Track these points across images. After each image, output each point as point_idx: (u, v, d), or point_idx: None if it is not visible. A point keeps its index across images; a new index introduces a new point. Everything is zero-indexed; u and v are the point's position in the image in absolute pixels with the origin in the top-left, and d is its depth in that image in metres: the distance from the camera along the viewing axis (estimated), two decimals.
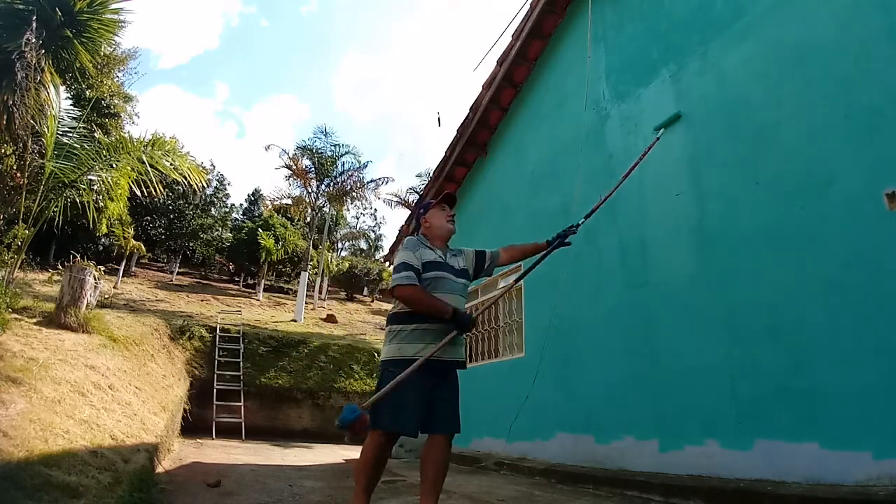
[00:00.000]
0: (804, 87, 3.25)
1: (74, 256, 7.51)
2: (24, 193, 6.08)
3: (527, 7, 5.88)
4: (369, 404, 2.07)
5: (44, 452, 2.61)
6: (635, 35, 4.78)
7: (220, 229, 26.71)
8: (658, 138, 3.56)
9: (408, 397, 2.16)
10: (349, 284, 27.25)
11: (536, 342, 5.08)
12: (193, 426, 7.97)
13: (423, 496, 2.17)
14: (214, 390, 9.49)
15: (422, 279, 2.32)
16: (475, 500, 3.32)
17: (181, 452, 5.87)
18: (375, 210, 45.63)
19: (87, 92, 13.26)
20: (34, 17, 5.65)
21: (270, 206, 25.69)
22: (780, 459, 2.90)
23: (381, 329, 18.36)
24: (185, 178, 6.90)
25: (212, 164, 27.90)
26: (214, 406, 9.24)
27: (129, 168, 6.73)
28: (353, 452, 7.39)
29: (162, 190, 7.26)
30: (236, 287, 24.73)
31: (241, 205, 35.57)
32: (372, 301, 27.42)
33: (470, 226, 7.16)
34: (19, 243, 5.95)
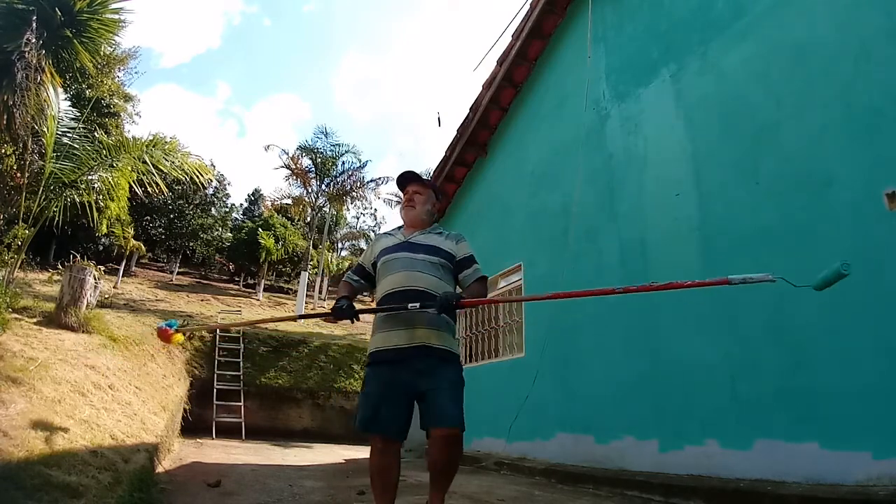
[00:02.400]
0: (804, 87, 3.25)
1: (74, 256, 7.51)
2: (24, 193, 6.08)
3: (527, 7, 5.88)
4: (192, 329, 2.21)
5: (44, 452, 2.61)
6: (635, 35, 4.78)
7: (220, 229, 26.71)
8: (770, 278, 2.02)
9: (371, 393, 2.09)
10: None
11: (536, 342, 5.08)
12: (193, 426, 7.96)
13: (430, 493, 2.14)
14: (214, 390, 9.48)
15: (376, 270, 2.32)
16: (475, 500, 3.32)
17: (181, 452, 5.87)
18: (375, 210, 45.50)
19: (87, 92, 13.27)
20: (34, 17, 5.65)
21: (270, 206, 25.69)
22: (780, 459, 2.90)
23: None
24: (190, 177, 6.91)
25: (212, 164, 27.87)
26: (214, 406, 9.23)
27: (129, 169, 6.73)
28: (353, 452, 7.39)
29: (164, 189, 7.26)
30: (236, 287, 24.74)
31: (241, 205, 35.57)
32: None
33: (470, 226, 7.16)
34: (19, 243, 5.95)
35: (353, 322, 2.21)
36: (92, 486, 2.46)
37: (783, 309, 3.10)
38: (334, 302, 2.25)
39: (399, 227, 2.46)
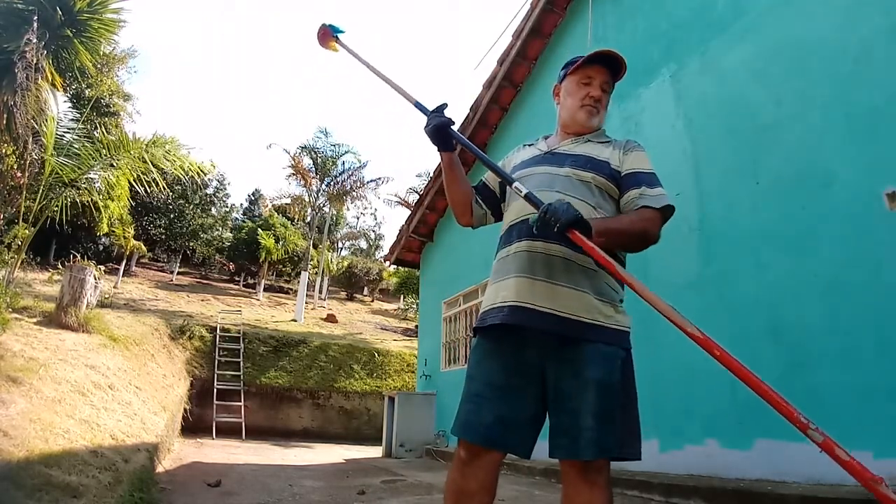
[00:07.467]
0: (804, 87, 3.25)
1: (74, 256, 7.52)
2: (24, 193, 6.08)
3: (527, 6, 5.89)
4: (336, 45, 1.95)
5: (44, 452, 2.61)
6: (635, 35, 4.78)
7: (220, 229, 26.69)
8: None
9: (473, 377, 1.36)
10: (349, 284, 27.25)
11: None
12: (193, 426, 7.98)
13: None
14: (214, 390, 9.48)
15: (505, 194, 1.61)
16: None
17: (181, 452, 5.87)
18: (376, 210, 45.67)
19: (87, 91, 13.27)
20: (35, 17, 5.65)
21: (270, 206, 25.68)
22: (780, 459, 2.90)
23: (382, 329, 18.34)
24: (190, 176, 6.94)
25: (212, 164, 27.90)
26: (214, 406, 9.23)
27: (128, 169, 6.74)
28: (354, 452, 7.39)
29: (164, 187, 7.29)
30: (236, 287, 24.73)
31: (241, 205, 35.49)
32: (372, 301, 27.41)
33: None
34: (19, 243, 5.95)
35: (441, 150, 1.55)
36: (92, 486, 2.46)
37: (783, 309, 3.10)
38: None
39: (545, 136, 1.70)
